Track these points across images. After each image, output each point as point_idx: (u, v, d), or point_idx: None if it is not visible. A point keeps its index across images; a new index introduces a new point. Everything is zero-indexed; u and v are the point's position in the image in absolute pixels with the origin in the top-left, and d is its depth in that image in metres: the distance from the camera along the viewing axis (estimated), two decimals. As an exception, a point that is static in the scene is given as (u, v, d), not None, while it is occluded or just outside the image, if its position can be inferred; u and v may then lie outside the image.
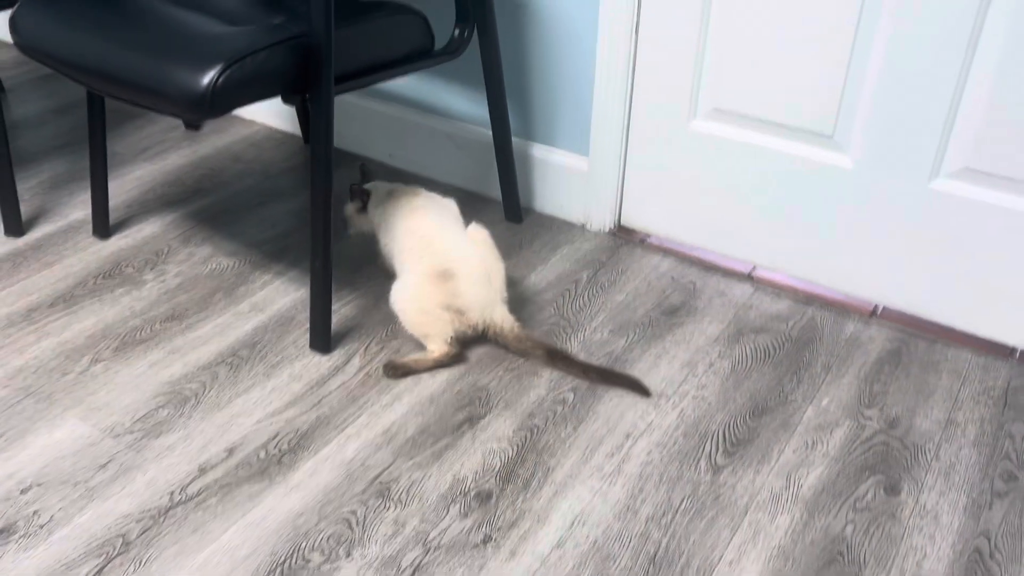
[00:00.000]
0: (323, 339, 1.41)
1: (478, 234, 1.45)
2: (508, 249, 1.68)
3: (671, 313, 1.52)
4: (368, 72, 1.38)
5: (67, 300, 1.52)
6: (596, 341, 1.45)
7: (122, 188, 1.85)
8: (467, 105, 1.80)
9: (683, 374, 1.39)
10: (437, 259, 1.36)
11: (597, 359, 1.41)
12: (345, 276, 1.60)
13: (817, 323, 1.50)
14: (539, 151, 1.75)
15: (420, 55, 1.47)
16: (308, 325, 1.46)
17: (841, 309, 1.54)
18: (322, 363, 1.39)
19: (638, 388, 1.34)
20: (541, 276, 1.61)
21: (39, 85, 2.30)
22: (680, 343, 1.45)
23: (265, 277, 1.59)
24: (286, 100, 1.30)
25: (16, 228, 1.68)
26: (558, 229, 1.75)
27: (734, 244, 1.63)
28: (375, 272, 1.61)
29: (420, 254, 1.38)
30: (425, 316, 1.35)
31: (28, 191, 1.83)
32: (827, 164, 1.47)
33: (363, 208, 1.51)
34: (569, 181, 1.74)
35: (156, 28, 1.29)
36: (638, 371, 1.38)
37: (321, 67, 1.25)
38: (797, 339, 1.47)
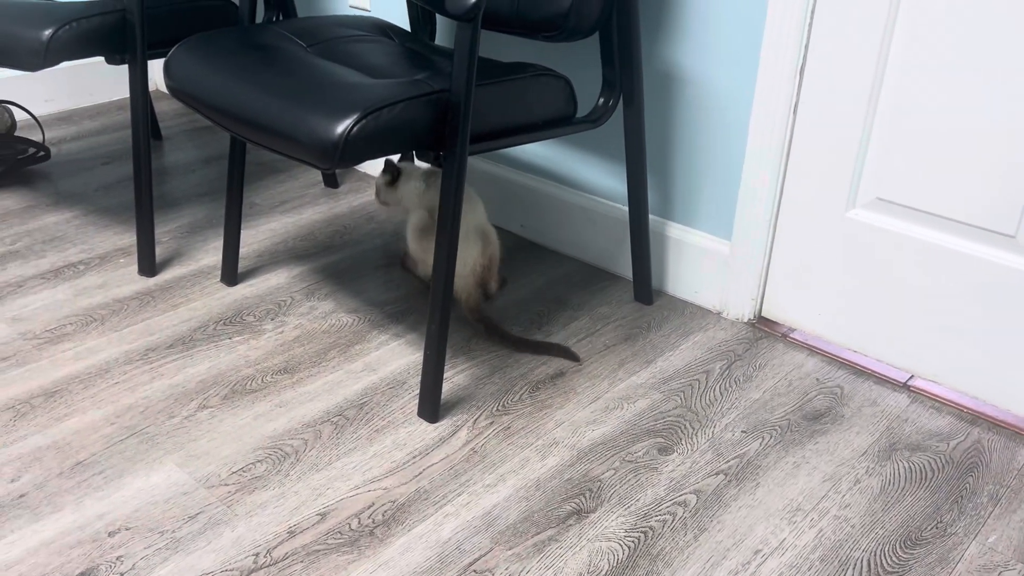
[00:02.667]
0: (431, 407, 1.34)
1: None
2: (635, 331, 1.58)
3: (814, 419, 1.37)
4: (506, 134, 1.33)
5: (185, 343, 1.51)
6: (727, 440, 1.31)
7: (255, 238, 1.86)
8: (603, 178, 1.73)
9: (824, 489, 1.23)
10: (434, 215, 1.52)
11: (727, 460, 1.27)
12: (461, 343, 1.53)
13: (984, 446, 1.32)
14: (676, 231, 1.65)
15: (561, 121, 1.41)
16: (419, 391, 1.39)
17: (1013, 433, 1.34)
18: (428, 432, 1.31)
19: (568, 355, 1.49)
20: (669, 363, 1.49)
21: (193, 136, 2.39)
22: (822, 453, 1.29)
23: (382, 338, 1.54)
24: (420, 156, 1.26)
25: (149, 268, 1.70)
26: (691, 315, 1.64)
27: (890, 348, 1.47)
28: (492, 342, 1.53)
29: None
30: (422, 254, 1.60)
31: (166, 234, 1.86)
32: (1006, 266, 1.31)
33: (392, 182, 1.61)
34: (707, 265, 1.63)
35: (299, 76, 1.28)
36: (772, 479, 1.24)
37: (458, 124, 1.20)
38: (959, 462, 1.29)
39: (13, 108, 2.34)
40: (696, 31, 1.50)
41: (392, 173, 1.61)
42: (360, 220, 1.95)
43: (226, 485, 1.20)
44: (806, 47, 1.39)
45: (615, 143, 1.69)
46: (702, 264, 1.63)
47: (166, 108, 2.57)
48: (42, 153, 2.12)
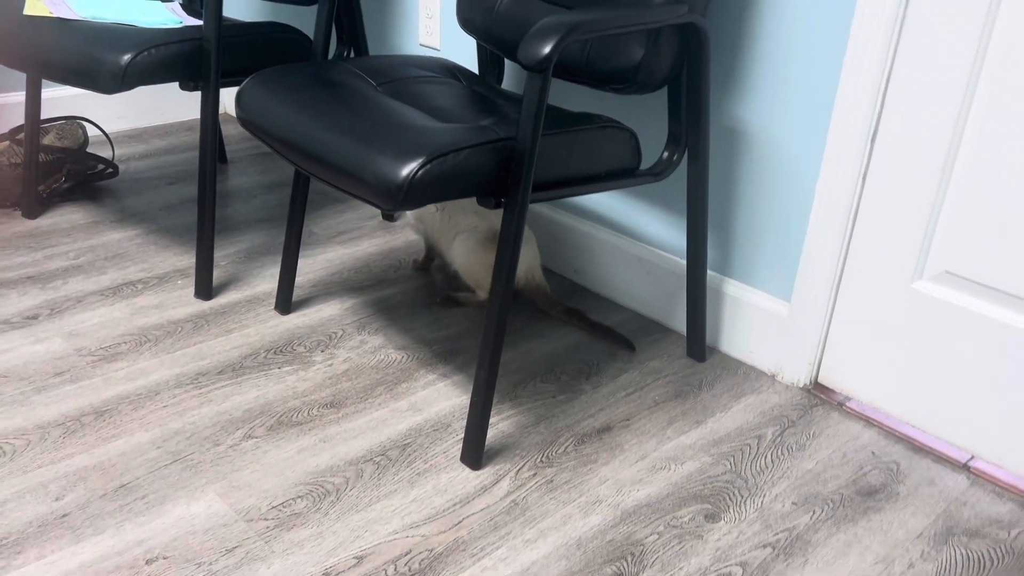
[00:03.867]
0: (475, 453, 1.32)
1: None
2: (686, 389, 1.55)
3: (868, 494, 1.32)
4: (568, 184, 1.32)
5: (235, 370, 1.51)
6: (776, 511, 1.27)
7: (311, 267, 1.88)
8: (663, 230, 1.71)
9: (876, 571, 1.18)
10: (487, 224, 1.68)
11: (775, 533, 1.23)
12: (508, 388, 1.52)
13: (1048, 538, 1.26)
14: (734, 288, 1.62)
15: (624, 173, 1.40)
16: (463, 435, 1.37)
17: (1080, 526, 1.28)
18: (469, 479, 1.30)
19: (628, 345, 1.65)
20: (719, 425, 1.46)
21: (257, 161, 2.42)
22: (875, 532, 1.25)
23: (429, 377, 1.53)
24: (481, 202, 1.26)
25: (205, 292, 1.72)
26: (744, 375, 1.60)
27: (951, 426, 1.42)
28: (541, 388, 1.51)
29: (469, 220, 1.70)
30: (479, 271, 1.69)
31: (225, 258, 1.89)
32: (1080, 352, 1.26)
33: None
34: (763, 325, 1.59)
35: (368, 115, 1.29)
36: (822, 557, 1.19)
37: (521, 173, 1.20)
38: (1021, 553, 1.23)
39: (86, 124, 2.41)
40: (767, 90, 1.48)
41: None
42: (414, 255, 1.95)
43: (265, 520, 1.20)
44: (879, 113, 1.37)
45: (676, 195, 1.67)
46: (759, 324, 1.60)
47: (233, 132, 2.62)
48: (110, 170, 2.17)
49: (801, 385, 1.57)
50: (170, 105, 2.63)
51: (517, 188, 1.21)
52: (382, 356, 1.58)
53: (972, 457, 1.41)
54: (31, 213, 1.99)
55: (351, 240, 2.01)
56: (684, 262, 1.69)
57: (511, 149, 1.22)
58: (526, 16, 1.52)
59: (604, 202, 1.80)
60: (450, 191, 1.20)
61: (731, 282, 1.63)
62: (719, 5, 1.50)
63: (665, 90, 1.54)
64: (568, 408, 1.48)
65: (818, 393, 1.56)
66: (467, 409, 1.43)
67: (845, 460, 1.39)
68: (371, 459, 1.33)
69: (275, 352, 1.57)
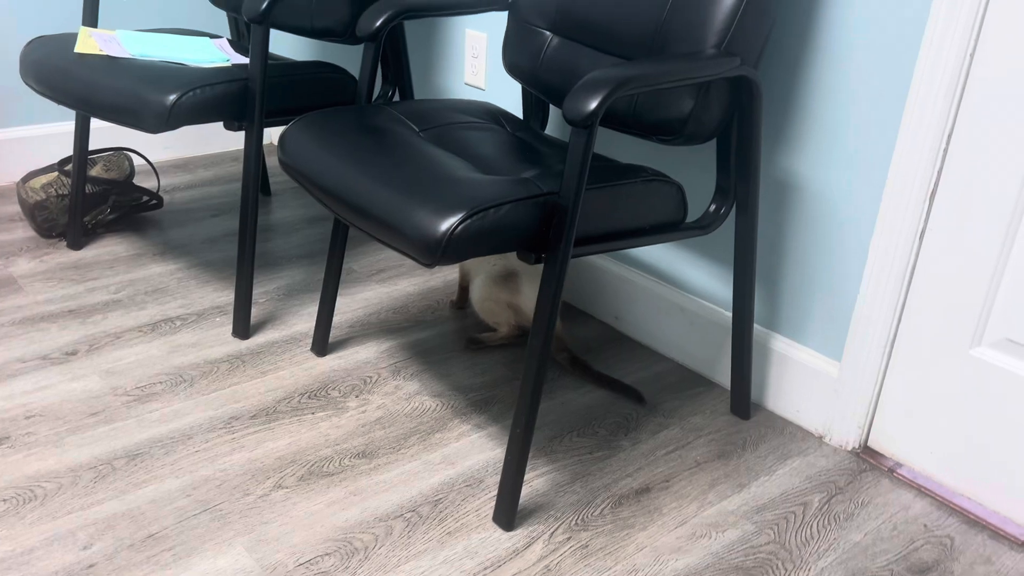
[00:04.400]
0: (508, 513, 1.28)
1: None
2: (729, 448, 1.49)
3: (920, 572, 1.26)
4: (611, 238, 1.29)
5: (269, 414, 1.49)
6: (821, 588, 1.22)
7: (349, 306, 1.86)
8: (708, 280, 1.67)
9: (928, 660, 1.12)
10: (502, 263, 1.70)
11: (819, 612, 1.17)
12: (543, 443, 1.48)
13: (1115, 628, 1.18)
14: (781, 344, 1.57)
15: (670, 227, 1.36)
16: (496, 492, 1.33)
17: None
18: (501, 541, 1.26)
19: (636, 397, 1.60)
20: (763, 489, 1.40)
21: (301, 194, 2.42)
22: (928, 616, 1.18)
23: (464, 428, 1.50)
24: (521, 256, 1.23)
25: (243, 331, 1.71)
26: (790, 436, 1.54)
27: (1011, 499, 1.35)
28: (578, 443, 1.47)
29: (491, 260, 1.71)
30: (493, 308, 1.71)
31: (264, 295, 1.88)
32: None
33: None
34: (812, 384, 1.53)
35: (408, 165, 1.27)
36: (869, 640, 1.13)
37: (563, 229, 1.16)
38: (1086, 644, 1.16)
39: (133, 156, 2.43)
40: (820, 141, 1.43)
41: None
42: (453, 296, 1.93)
43: (292, 577, 1.17)
44: (940, 170, 1.31)
45: (723, 245, 1.63)
46: (807, 382, 1.54)
47: (277, 163, 2.63)
48: (155, 201, 2.18)
49: (850, 448, 1.51)
50: (217, 135, 2.65)
51: (558, 244, 1.18)
52: (416, 403, 1.55)
53: (1032, 535, 1.33)
54: (76, 244, 2.01)
55: (390, 279, 1.99)
56: (729, 314, 1.64)
57: (553, 204, 1.18)
58: (573, 62, 1.49)
59: (648, 250, 1.76)
60: (490, 246, 1.17)
61: (779, 338, 1.58)
62: (772, 56, 1.46)
63: (714, 141, 1.51)
64: (605, 466, 1.43)
65: (867, 458, 1.49)
66: (501, 463, 1.39)
67: (896, 532, 1.33)
68: (402, 515, 1.29)
69: (309, 396, 1.55)
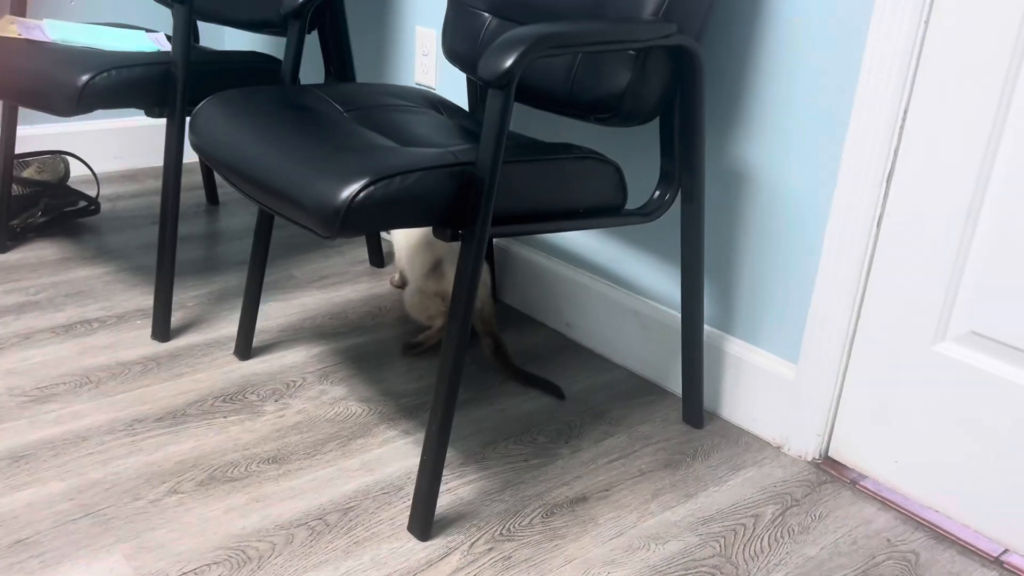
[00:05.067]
0: (423, 522, 1.16)
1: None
2: (677, 457, 1.37)
3: (878, 589, 1.13)
4: (538, 218, 1.18)
5: (176, 417, 1.37)
6: (767, 605, 1.09)
7: (283, 311, 1.75)
8: (658, 279, 1.56)
9: None
10: (430, 255, 1.61)
11: (763, 631, 1.04)
12: (476, 449, 1.35)
13: (1097, 652, 1.05)
14: (735, 347, 1.46)
15: (606, 211, 1.25)
16: (415, 501, 1.21)
17: None
18: (414, 551, 1.13)
19: (555, 392, 1.51)
20: (711, 500, 1.28)
21: (249, 204, 2.32)
22: (885, 636, 1.05)
23: (389, 434, 1.38)
24: (437, 233, 1.12)
25: (163, 333, 1.59)
26: (746, 445, 1.42)
27: (981, 512, 1.23)
28: (513, 451, 1.35)
29: (422, 259, 1.62)
30: (423, 301, 1.62)
31: (193, 299, 1.77)
32: None
33: None
34: (769, 390, 1.42)
35: (321, 138, 1.17)
36: (818, 663, 1.00)
37: (480, 202, 1.06)
38: (1063, 670, 1.02)
39: (72, 160, 2.33)
40: (770, 126, 1.34)
41: None
42: (398, 303, 1.82)
43: (172, 588, 1.04)
44: (896, 150, 1.21)
45: (673, 241, 1.52)
46: (763, 388, 1.43)
47: (231, 174, 2.53)
48: (92, 207, 2.08)
49: (810, 459, 1.39)
50: (170, 146, 2.55)
51: (475, 219, 1.07)
52: (341, 408, 1.43)
53: (1005, 551, 1.21)
54: (0, 247, 1.90)
55: (332, 285, 1.88)
56: (678, 315, 1.53)
57: (470, 175, 1.08)
58: (511, 44, 1.40)
59: (598, 249, 1.65)
60: (397, 218, 1.06)
61: (733, 340, 1.47)
62: (717, 31, 1.37)
63: (657, 125, 1.41)
64: (540, 474, 1.31)
65: (828, 468, 1.37)
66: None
67: (855, 547, 1.20)
68: (306, 523, 1.17)
69: (224, 400, 1.43)
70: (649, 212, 1.30)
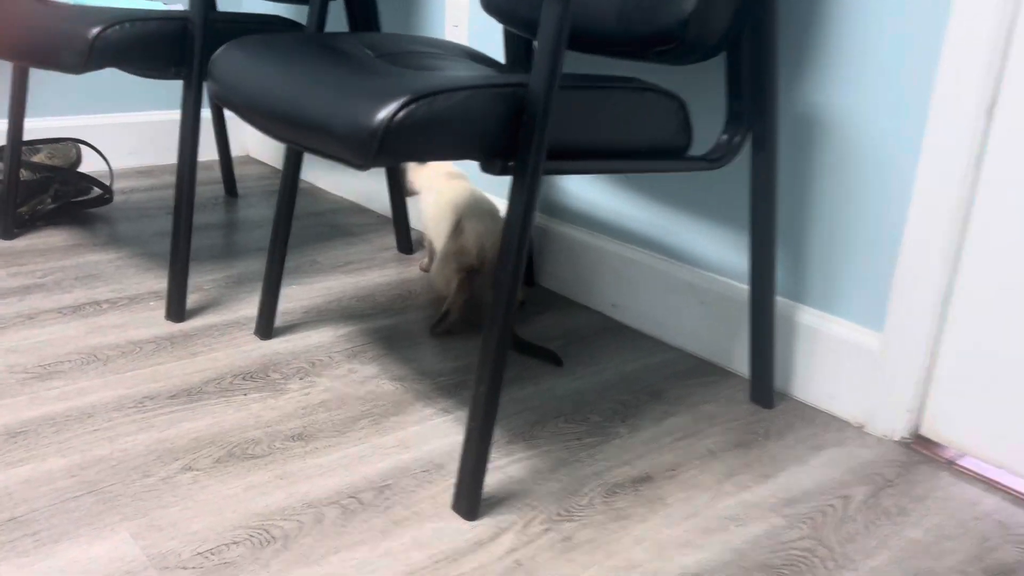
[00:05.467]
0: (470, 499, 1.01)
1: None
2: (748, 437, 1.23)
3: (1000, 575, 0.97)
4: (594, 155, 1.05)
5: (191, 394, 1.24)
6: (874, 589, 0.93)
7: (307, 294, 1.62)
8: (718, 248, 1.42)
9: (1027, 677, 0.83)
10: (453, 217, 1.48)
11: (874, 618, 0.89)
12: (523, 428, 1.21)
13: None
14: (808, 317, 1.31)
15: (669, 152, 1.12)
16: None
17: None
18: (462, 532, 0.99)
19: (554, 359, 1.41)
20: (794, 480, 1.13)
21: (270, 196, 2.21)
22: (1019, 623, 0.90)
23: (426, 411, 1.24)
24: (485, 167, 0.99)
25: (177, 313, 1.47)
26: (822, 425, 1.27)
27: (1105, 489, 1.07)
28: (564, 429, 1.21)
29: (443, 225, 1.51)
30: (441, 270, 1.49)
31: (210, 282, 1.64)
32: None
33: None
34: (847, 363, 1.27)
35: (351, 70, 1.05)
36: (944, 653, 0.85)
37: (534, 126, 0.93)
38: None
39: (84, 148, 2.23)
40: (846, 62, 1.21)
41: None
42: (428, 285, 1.69)
43: (185, 569, 0.90)
44: (1001, 74, 1.08)
45: (734, 202, 1.39)
46: (841, 361, 1.28)
47: (250, 171, 2.43)
48: (107, 196, 1.98)
49: (897, 438, 1.23)
50: (187, 143, 2.45)
51: (528, 146, 0.94)
52: (372, 387, 1.30)
53: None
54: (6, 234, 1.79)
55: (358, 270, 1.75)
56: (743, 287, 1.39)
57: (522, 98, 0.95)
58: (557, -13, 1.29)
59: (647, 220, 1.52)
60: (439, 144, 0.93)
61: (805, 309, 1.32)
62: (788, -35, 1.25)
63: (722, 63, 1.29)
64: (597, 453, 1.17)
65: (919, 448, 1.22)
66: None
67: (964, 530, 1.05)
68: (337, 501, 1.03)
69: (244, 378, 1.30)
70: (716, 158, 1.16)
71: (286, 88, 1.03)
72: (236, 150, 2.56)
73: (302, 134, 0.98)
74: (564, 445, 1.18)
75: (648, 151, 1.10)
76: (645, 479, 1.11)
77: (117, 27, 1.34)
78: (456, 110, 0.92)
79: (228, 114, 2.28)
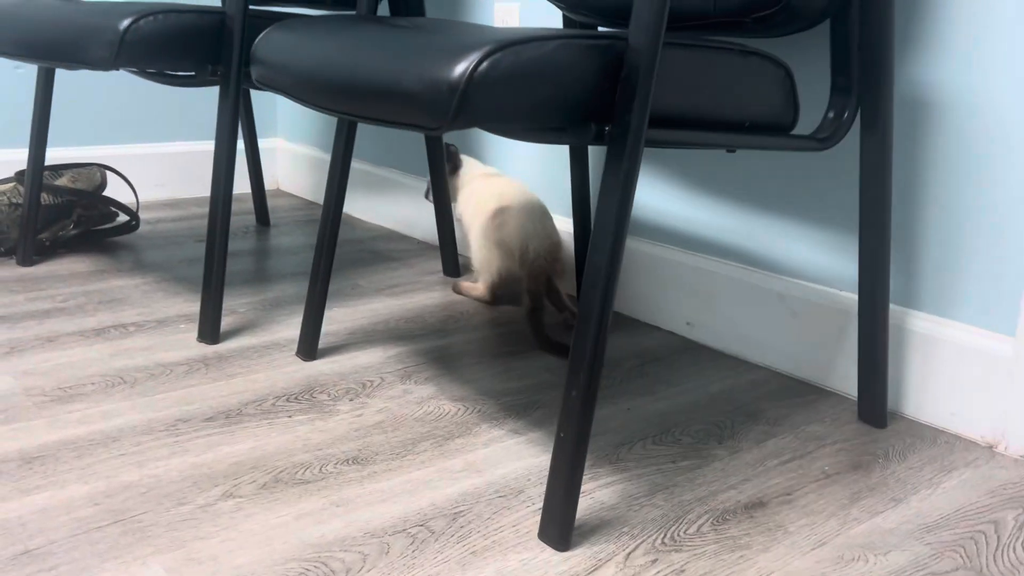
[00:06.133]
0: (561, 527, 0.86)
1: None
2: (866, 459, 1.07)
3: None
4: (697, 124, 0.92)
5: (230, 416, 1.10)
6: (1064, 628, 0.77)
7: (351, 315, 1.49)
8: (811, 252, 1.28)
9: None
10: (496, 203, 1.46)
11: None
12: (608, 449, 1.06)
13: None
14: (922, 324, 1.16)
15: (774, 128, 0.99)
16: (542, 504, 0.91)
17: None
18: (553, 563, 0.83)
19: (560, 352, 1.34)
20: (930, 505, 0.97)
21: (304, 225, 2.09)
22: None
23: (495, 433, 1.09)
24: (575, 134, 0.86)
25: (211, 334, 1.33)
26: (945, 445, 1.11)
27: None
28: (654, 451, 1.06)
29: (482, 206, 1.49)
30: (481, 254, 1.48)
31: (246, 305, 1.51)
32: None
33: (454, 171, 1.59)
34: (971, 373, 1.12)
35: (419, 36, 0.93)
36: None
37: (636, 84, 0.80)
38: None
39: (109, 173, 2.13)
40: (961, 34, 1.08)
41: (453, 163, 1.59)
42: (481, 307, 1.55)
43: (229, 609, 0.75)
44: None
45: (827, 196, 1.25)
46: (964, 373, 1.13)
47: (281, 203, 2.32)
48: (133, 222, 1.86)
49: (1038, 457, 1.07)
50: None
51: (629, 106, 0.81)
52: (431, 407, 1.15)
53: None
54: (26, 261, 1.67)
55: (403, 293, 1.62)
56: (843, 294, 1.25)
57: (620, 53, 0.83)
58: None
59: (724, 224, 1.38)
60: (529, 102, 0.80)
61: (918, 315, 1.17)
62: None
63: (826, 28, 1.16)
64: (696, 477, 1.01)
65: (1068, 467, 1.06)
66: (547, 471, 0.98)
67: None
68: (404, 530, 0.87)
69: (288, 399, 1.16)
70: (825, 137, 1.03)
71: (344, 57, 0.91)
72: (267, 183, 2.46)
73: (367, 102, 0.86)
74: (657, 468, 1.02)
75: (752, 125, 0.97)
76: (757, 504, 0.96)
77: (151, 18, 1.23)
78: (546, 61, 0.79)
79: (262, 144, 2.18)
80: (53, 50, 1.26)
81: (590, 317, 0.83)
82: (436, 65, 0.79)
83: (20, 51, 1.32)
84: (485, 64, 0.77)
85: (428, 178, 1.69)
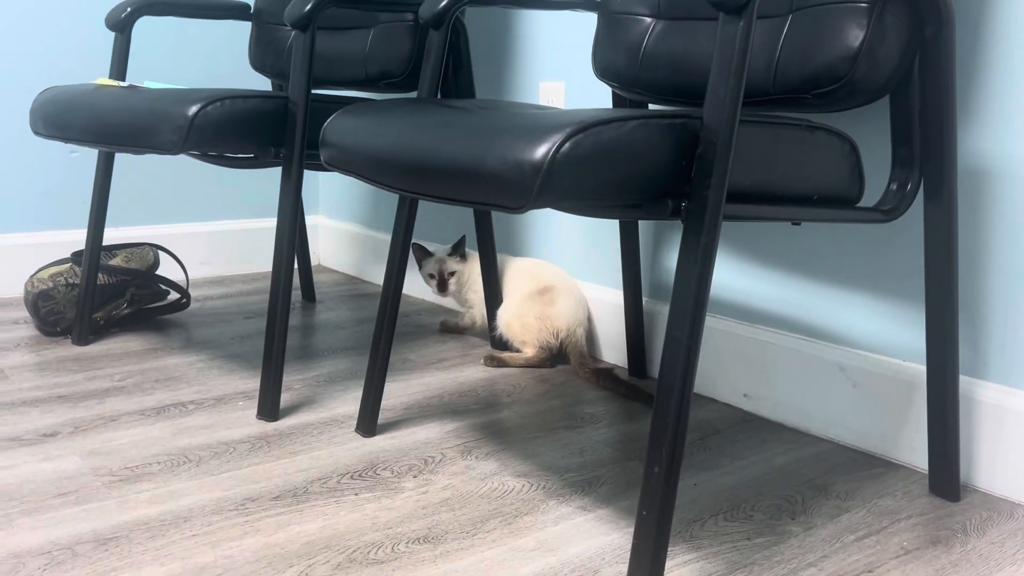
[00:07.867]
0: (648, 607, 0.84)
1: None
2: (944, 534, 1.04)
3: None
4: (767, 199, 0.93)
5: (297, 495, 1.09)
6: None
7: (405, 390, 1.49)
8: (871, 322, 1.27)
9: None
10: (539, 281, 1.63)
11: None
12: (680, 527, 1.04)
13: None
14: (991, 394, 1.15)
15: (840, 201, 1.00)
16: (623, 584, 0.90)
17: None
18: (643, 647, 0.81)
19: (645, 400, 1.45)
20: (1018, 581, 0.94)
21: (349, 300, 2.11)
22: None
23: (563, 510, 1.08)
24: (651, 210, 0.87)
25: (270, 412, 1.34)
26: (1022, 518, 1.09)
27: None
28: (727, 528, 1.04)
29: (526, 281, 1.65)
30: (525, 323, 1.60)
31: (301, 381, 1.52)
32: None
33: (463, 258, 1.76)
34: (1047, 444, 1.10)
35: (492, 118, 0.95)
36: None
37: (713, 159, 0.82)
38: None
39: (160, 252, 2.16)
40: (1020, 107, 1.09)
41: (459, 250, 1.75)
42: (533, 380, 1.55)
43: None
44: None
45: (888, 269, 1.25)
46: (1037, 443, 1.11)
47: (324, 279, 2.34)
48: (184, 300, 1.89)
49: (1123, 530, 1.05)
50: (258, 253, 2.39)
51: (707, 184, 0.82)
52: (495, 484, 1.14)
53: None
54: (82, 340, 1.69)
55: (454, 367, 1.62)
56: (907, 364, 1.24)
57: (694, 131, 0.84)
58: (684, 45, 1.21)
59: (780, 296, 1.38)
60: (609, 181, 0.82)
61: (986, 385, 1.16)
62: None
63: (886, 103, 1.18)
64: (774, 554, 0.99)
65: None
66: (620, 549, 0.97)
67: None
68: (485, 612, 0.86)
69: (352, 476, 1.15)
70: (889, 209, 1.04)
71: (419, 139, 0.93)
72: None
73: (446, 182, 0.88)
74: (732, 545, 1.01)
75: (820, 198, 0.98)
76: (841, 582, 0.94)
77: (218, 103, 1.27)
78: (625, 141, 0.81)
79: (308, 221, 2.21)
80: (121, 135, 1.30)
81: (671, 392, 0.83)
82: (518, 146, 0.80)
83: (87, 137, 1.36)
84: (568, 145, 0.79)
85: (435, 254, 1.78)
